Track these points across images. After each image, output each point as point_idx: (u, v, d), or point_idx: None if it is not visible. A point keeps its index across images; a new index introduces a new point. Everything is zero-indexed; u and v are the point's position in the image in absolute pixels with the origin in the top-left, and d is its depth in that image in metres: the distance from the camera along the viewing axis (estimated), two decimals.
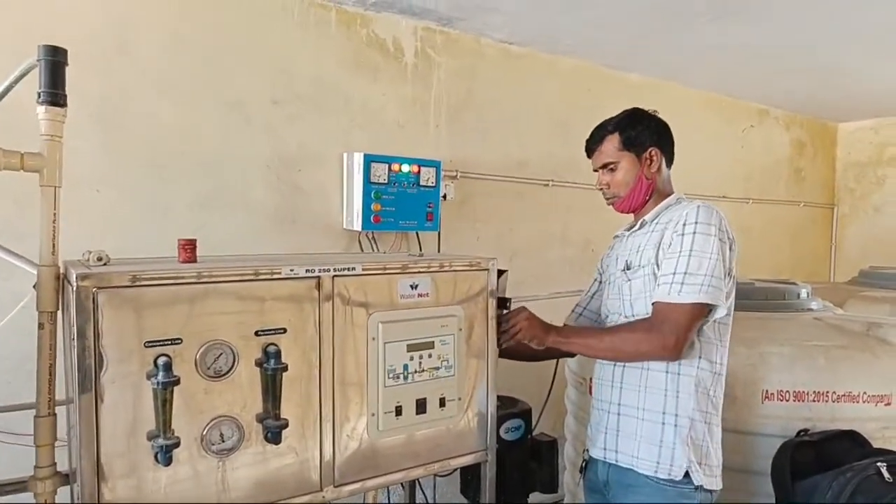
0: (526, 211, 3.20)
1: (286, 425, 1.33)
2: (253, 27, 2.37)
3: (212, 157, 2.30)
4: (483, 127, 3.02)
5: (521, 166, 3.15)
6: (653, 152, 1.69)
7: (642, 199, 1.71)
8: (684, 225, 1.54)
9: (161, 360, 1.19)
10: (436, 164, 2.63)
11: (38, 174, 1.32)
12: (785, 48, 3.12)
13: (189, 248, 1.37)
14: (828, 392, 1.90)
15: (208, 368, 1.27)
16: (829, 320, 2.23)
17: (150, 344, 1.21)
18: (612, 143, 1.71)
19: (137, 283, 1.20)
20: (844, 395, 1.89)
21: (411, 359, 1.53)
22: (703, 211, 1.55)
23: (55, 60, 1.31)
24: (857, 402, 1.90)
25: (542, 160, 3.24)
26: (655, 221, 1.66)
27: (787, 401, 1.91)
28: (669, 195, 1.72)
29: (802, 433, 1.82)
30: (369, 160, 2.46)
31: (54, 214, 1.32)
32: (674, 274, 1.52)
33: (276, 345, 1.33)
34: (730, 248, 1.56)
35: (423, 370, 1.55)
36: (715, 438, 1.58)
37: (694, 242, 1.52)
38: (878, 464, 1.58)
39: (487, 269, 1.68)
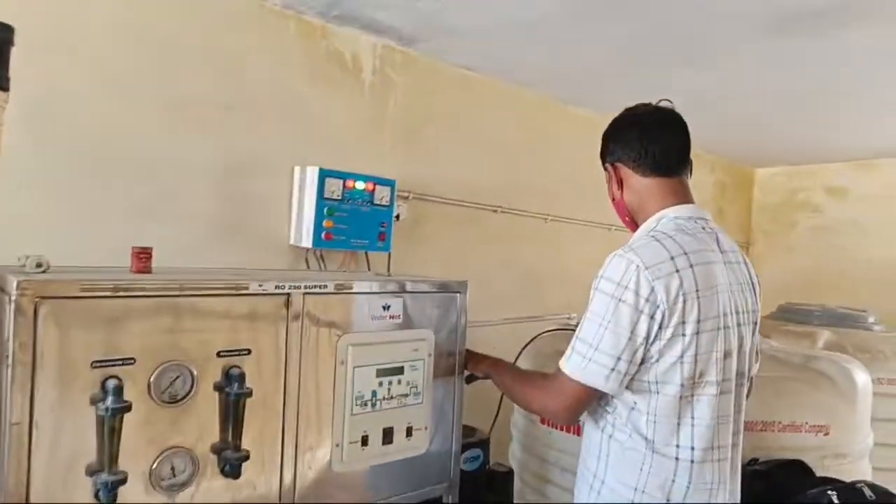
0: (476, 236, 3.17)
1: (247, 457, 1.21)
2: (207, 26, 2.23)
3: (154, 161, 2.13)
4: (437, 149, 2.98)
5: (472, 191, 3.13)
6: (617, 167, 1.45)
7: (624, 220, 1.50)
8: (595, 278, 1.31)
9: (111, 383, 1.05)
10: (391, 184, 2.56)
11: None
12: (723, 98, 3.30)
13: (144, 258, 1.24)
14: (774, 422, 1.95)
15: (163, 393, 1.13)
16: (769, 352, 2.32)
17: (98, 364, 1.07)
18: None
19: (87, 294, 1.05)
20: (789, 426, 1.95)
21: (380, 384, 1.44)
22: (611, 264, 1.28)
23: (2, 37, 1.16)
24: (800, 431, 1.97)
25: (492, 187, 3.23)
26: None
27: None
28: (660, 208, 1.39)
29: (753, 462, 1.85)
30: (324, 175, 2.35)
31: None
32: (574, 338, 1.31)
33: (239, 367, 1.21)
34: (643, 311, 1.23)
35: (391, 397, 1.47)
36: None
37: (592, 304, 1.29)
38: (829, 492, 1.63)
39: (459, 293, 1.62)
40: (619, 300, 1.24)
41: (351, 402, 1.39)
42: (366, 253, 2.65)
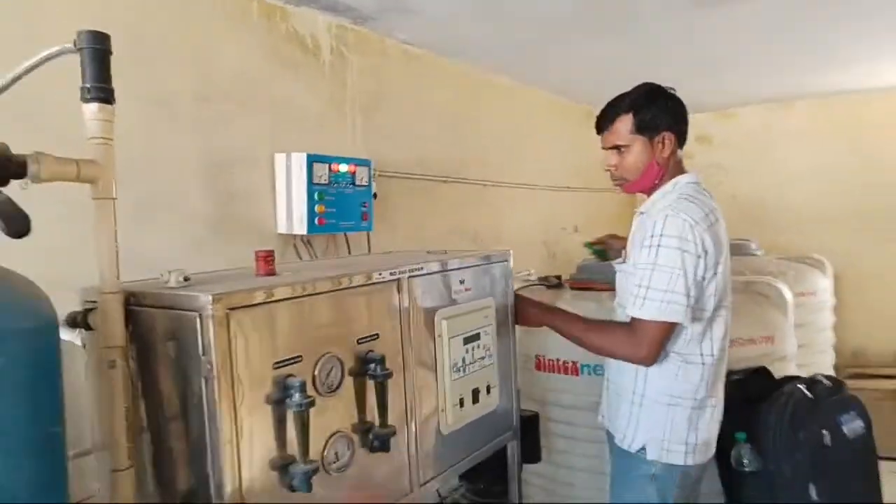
0: (431, 207, 3.31)
1: (395, 432, 1.31)
2: (174, 16, 2.12)
3: (133, 161, 2.01)
4: (391, 126, 3.05)
5: (422, 164, 3.25)
6: (666, 136, 1.65)
7: (651, 183, 1.70)
8: (651, 237, 1.55)
9: (295, 381, 1.11)
10: (367, 164, 2.62)
11: (89, 184, 1.10)
12: (633, 64, 3.67)
13: (269, 260, 1.26)
14: (736, 339, 2.36)
15: (322, 384, 1.20)
16: None
17: (278, 364, 1.11)
18: (624, 124, 1.66)
19: (265, 301, 1.09)
20: (748, 340, 2.37)
21: (467, 352, 1.59)
22: (669, 223, 1.53)
23: (101, 49, 1.11)
24: (755, 343, 2.40)
25: (439, 158, 3.37)
26: (651, 209, 1.68)
27: None
28: (676, 174, 1.68)
29: (730, 373, 2.24)
30: (311, 160, 2.36)
31: (115, 231, 1.12)
32: (638, 287, 1.55)
33: (374, 350, 1.30)
34: (701, 257, 1.52)
35: (474, 361, 1.62)
36: (681, 420, 1.62)
37: (658, 256, 1.52)
38: (799, 385, 2.05)
39: (506, 261, 1.79)
40: (683, 251, 1.52)
41: (449, 370, 1.53)
42: (345, 235, 2.70)
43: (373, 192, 2.68)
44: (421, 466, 1.46)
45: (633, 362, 1.64)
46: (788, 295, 2.61)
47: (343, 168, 2.49)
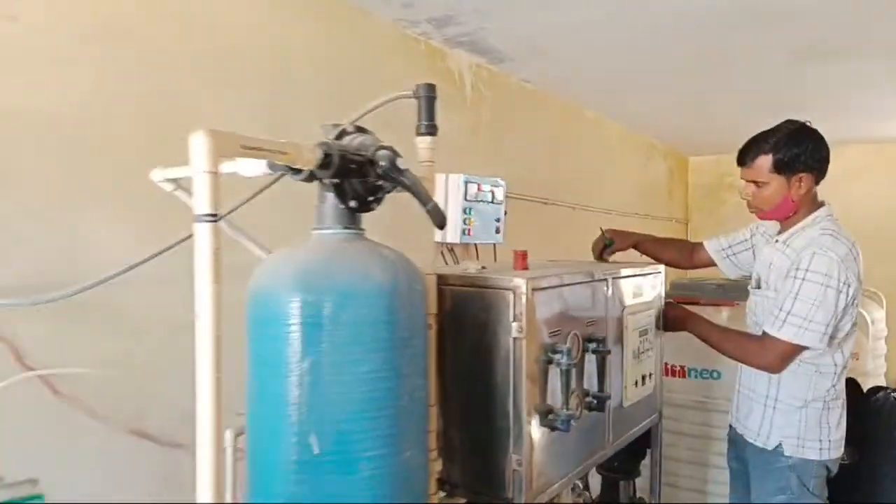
0: (534, 225, 3.70)
1: (609, 397, 1.69)
2: (364, 52, 2.53)
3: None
4: (509, 152, 3.46)
5: (529, 186, 3.65)
6: (804, 177, 1.86)
7: (784, 215, 1.95)
8: (798, 269, 1.82)
9: (566, 346, 1.49)
10: (502, 185, 3.02)
11: None
12: (711, 103, 4.06)
13: (525, 258, 1.65)
14: None
15: (568, 352, 1.57)
16: None
17: (553, 333, 1.50)
18: (765, 162, 1.87)
19: (551, 286, 1.48)
20: None
21: (640, 343, 1.96)
22: (816, 260, 1.79)
23: (432, 97, 1.52)
24: None
25: (541, 182, 3.77)
26: (790, 242, 1.94)
27: None
28: (814, 209, 1.92)
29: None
30: (465, 181, 2.77)
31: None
32: (780, 310, 1.84)
33: (595, 332, 1.68)
34: (842, 292, 1.78)
35: (644, 351, 1.99)
36: (813, 420, 1.92)
37: (802, 289, 1.79)
38: (892, 394, 2.40)
39: (661, 272, 2.16)
40: (827, 286, 1.79)
41: (631, 356, 1.90)
42: (475, 245, 3.09)
43: (504, 210, 3.07)
44: (612, 429, 1.83)
45: (759, 369, 1.97)
46: (869, 319, 2.96)
47: (486, 188, 2.89)
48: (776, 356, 1.90)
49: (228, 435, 1.60)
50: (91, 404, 1.66)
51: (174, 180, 1.42)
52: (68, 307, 1.50)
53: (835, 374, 1.96)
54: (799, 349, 1.87)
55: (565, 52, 3.02)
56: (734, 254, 2.28)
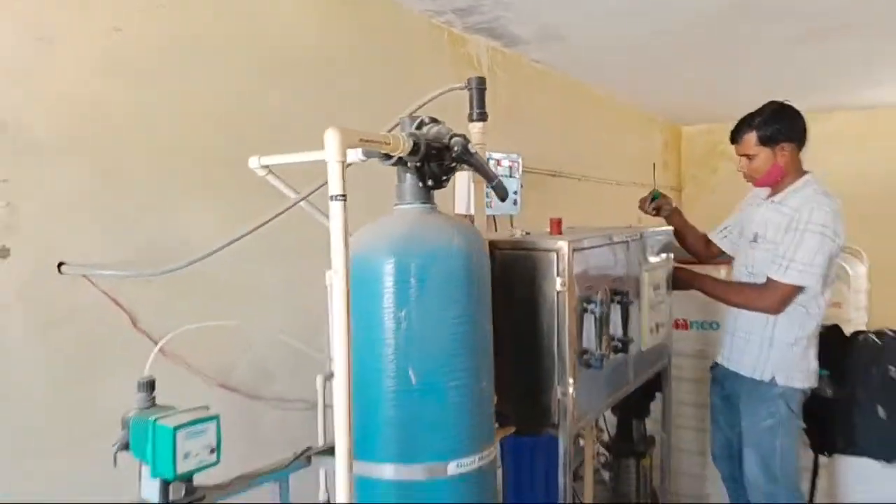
0: (544, 196, 3.98)
1: (633, 340, 1.99)
2: (397, 46, 2.77)
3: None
4: (522, 129, 3.71)
5: (540, 160, 3.91)
6: (784, 146, 2.24)
7: (774, 180, 2.31)
8: (799, 222, 2.16)
9: (599, 297, 1.78)
10: (518, 159, 3.29)
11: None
12: (713, 83, 4.32)
13: (559, 224, 1.93)
14: None
15: (602, 304, 1.87)
16: None
17: (587, 287, 1.79)
18: (750, 139, 2.27)
19: (587, 247, 1.77)
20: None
21: (654, 295, 2.26)
22: (816, 213, 2.15)
23: (482, 88, 1.78)
24: (830, 308, 3.06)
25: (549, 156, 4.04)
26: (784, 202, 2.28)
27: None
28: (800, 175, 2.29)
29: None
30: (488, 157, 3.02)
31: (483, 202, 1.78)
32: (783, 258, 2.17)
33: (620, 286, 1.97)
34: (833, 240, 2.15)
35: (658, 303, 2.29)
36: (800, 355, 2.30)
37: (804, 238, 2.14)
38: (870, 335, 2.73)
39: (670, 235, 2.46)
40: (824, 235, 2.16)
41: (647, 307, 2.20)
42: (493, 216, 3.37)
43: (521, 183, 3.34)
44: (634, 370, 2.13)
45: (764, 312, 2.28)
46: (851, 272, 3.29)
47: (505, 163, 3.16)
48: (778, 298, 2.22)
49: (319, 380, 1.90)
50: (189, 361, 1.94)
51: (266, 167, 1.68)
52: (172, 279, 1.77)
53: (818, 315, 2.33)
54: (798, 291, 2.20)
55: (582, 38, 3.27)
56: (730, 233, 2.63)
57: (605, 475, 2.87)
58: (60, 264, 1.61)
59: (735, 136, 2.35)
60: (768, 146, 2.28)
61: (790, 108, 2.31)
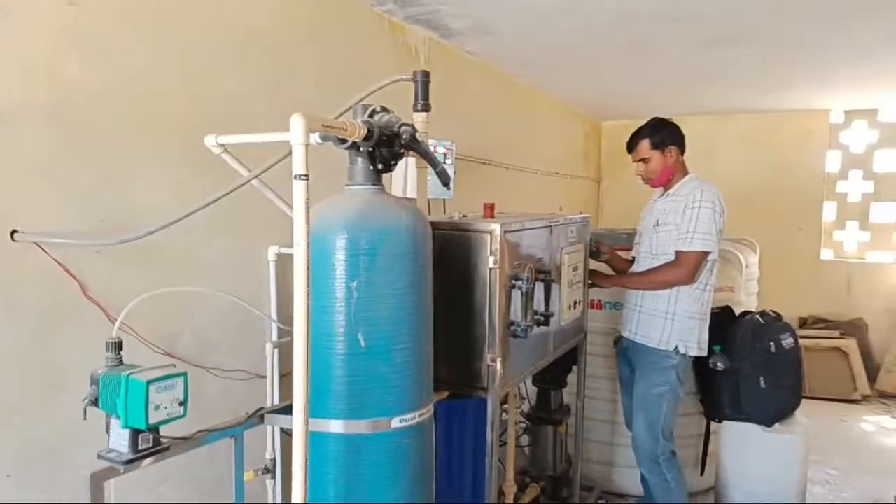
0: (474, 183, 4.18)
1: (553, 314, 2.22)
2: (342, 33, 2.87)
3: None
4: (456, 117, 3.89)
5: (471, 148, 4.11)
6: (671, 149, 2.71)
7: (667, 179, 2.76)
8: (694, 201, 2.59)
9: (526, 274, 1.99)
10: (452, 146, 3.46)
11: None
12: (620, 78, 4.64)
13: (492, 209, 2.13)
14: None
15: (527, 280, 2.08)
16: None
17: (516, 264, 1.99)
18: (644, 145, 2.75)
19: (516, 230, 1.97)
20: (719, 289, 3.41)
21: (572, 275, 2.51)
22: (705, 192, 2.60)
23: (426, 81, 1.94)
24: (723, 291, 3.45)
25: (481, 145, 4.24)
26: (676, 194, 2.71)
27: None
28: (685, 174, 2.76)
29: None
30: None
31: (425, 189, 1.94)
32: (688, 232, 2.57)
33: (543, 266, 2.20)
34: (720, 215, 2.59)
35: (575, 283, 2.55)
36: (696, 328, 2.67)
37: (700, 214, 2.55)
38: (755, 316, 3.12)
39: (589, 222, 2.71)
40: (714, 210, 2.58)
41: (566, 285, 2.44)
42: (428, 199, 3.54)
43: (454, 169, 3.52)
44: (554, 342, 2.38)
45: (679, 283, 2.61)
46: (744, 260, 3.70)
47: (440, 149, 3.32)
48: (691, 266, 2.58)
49: (269, 347, 2.02)
50: (137, 330, 2.00)
51: (222, 145, 1.77)
52: (121, 250, 1.84)
53: (710, 292, 2.71)
54: (703, 257, 2.58)
55: (512, 32, 3.47)
56: (639, 242, 2.98)
57: (525, 442, 3.14)
58: (13, 232, 1.65)
59: (631, 146, 2.82)
60: (659, 149, 2.74)
61: (670, 120, 2.81)
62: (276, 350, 2.10)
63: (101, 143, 1.87)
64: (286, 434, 1.87)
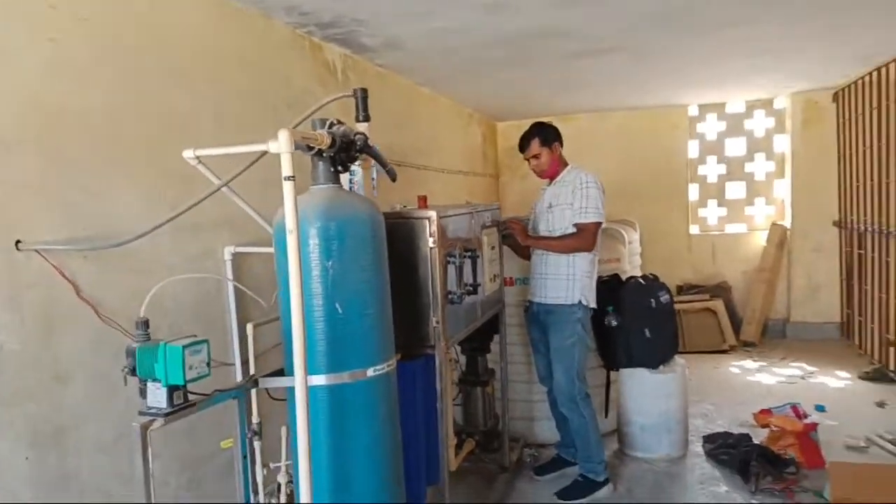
0: (391, 184, 4.59)
1: (480, 285, 2.69)
2: (267, 51, 3.19)
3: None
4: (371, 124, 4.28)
5: (387, 151, 4.51)
6: (556, 145, 3.32)
7: (555, 171, 3.34)
8: (581, 184, 3.17)
9: (457, 251, 2.45)
10: None
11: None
12: (510, 83, 5.23)
13: (425, 200, 2.56)
14: (602, 259, 4.03)
15: (459, 256, 2.54)
16: None
17: (449, 243, 2.44)
18: (535, 144, 3.31)
19: (450, 215, 2.42)
20: (607, 260, 4.05)
21: (491, 253, 3.00)
22: (589, 176, 3.21)
23: (365, 96, 2.34)
24: (611, 262, 4.08)
25: (396, 149, 4.66)
26: (561, 181, 3.30)
27: None
28: (566, 165, 3.36)
29: (600, 278, 3.89)
30: None
31: (372, 186, 2.35)
32: (582, 208, 3.14)
33: (468, 245, 2.66)
34: (602, 192, 3.22)
35: (493, 259, 3.04)
36: (590, 284, 3.27)
37: (588, 192, 3.15)
38: (639, 279, 3.76)
39: (499, 208, 3.22)
40: (599, 189, 3.14)
41: (487, 261, 2.92)
42: None
43: (376, 171, 3.92)
44: (481, 309, 2.85)
45: (582, 249, 3.16)
46: (627, 237, 4.37)
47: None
48: (590, 237, 3.16)
49: (249, 328, 2.34)
50: (122, 324, 2.25)
51: (198, 157, 2.08)
52: (102, 255, 2.11)
53: (597, 255, 3.31)
54: (599, 227, 3.16)
55: (417, 47, 3.91)
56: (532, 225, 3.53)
57: (458, 402, 3.60)
58: (18, 242, 1.88)
59: (523, 146, 3.39)
60: (546, 146, 3.32)
61: (549, 122, 3.47)
62: (258, 329, 2.42)
63: (80, 161, 2.11)
64: (272, 398, 2.20)
